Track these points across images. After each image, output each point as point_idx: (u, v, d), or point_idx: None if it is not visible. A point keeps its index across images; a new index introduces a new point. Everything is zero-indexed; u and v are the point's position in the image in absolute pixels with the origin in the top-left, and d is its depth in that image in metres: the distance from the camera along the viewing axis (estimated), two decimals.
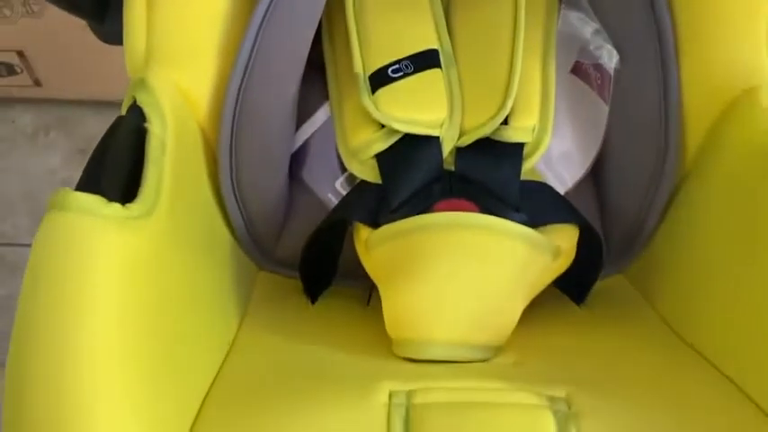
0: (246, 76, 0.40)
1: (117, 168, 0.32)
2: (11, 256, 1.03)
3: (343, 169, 0.46)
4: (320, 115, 0.47)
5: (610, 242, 0.46)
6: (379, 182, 0.42)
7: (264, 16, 0.39)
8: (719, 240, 0.38)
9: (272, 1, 0.39)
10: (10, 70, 1.07)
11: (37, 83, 1.10)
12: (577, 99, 0.46)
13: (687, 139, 0.41)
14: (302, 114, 0.46)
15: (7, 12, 0.96)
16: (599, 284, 0.45)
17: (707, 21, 0.39)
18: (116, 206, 0.30)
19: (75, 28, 0.97)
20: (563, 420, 0.30)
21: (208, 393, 0.33)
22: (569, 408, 0.31)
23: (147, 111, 0.36)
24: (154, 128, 0.35)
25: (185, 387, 0.32)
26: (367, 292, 0.45)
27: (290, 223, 0.46)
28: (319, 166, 0.47)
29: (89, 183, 0.31)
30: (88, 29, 0.97)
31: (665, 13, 0.40)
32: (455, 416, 0.30)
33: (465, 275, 0.37)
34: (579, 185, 0.46)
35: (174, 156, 0.35)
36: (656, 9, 0.40)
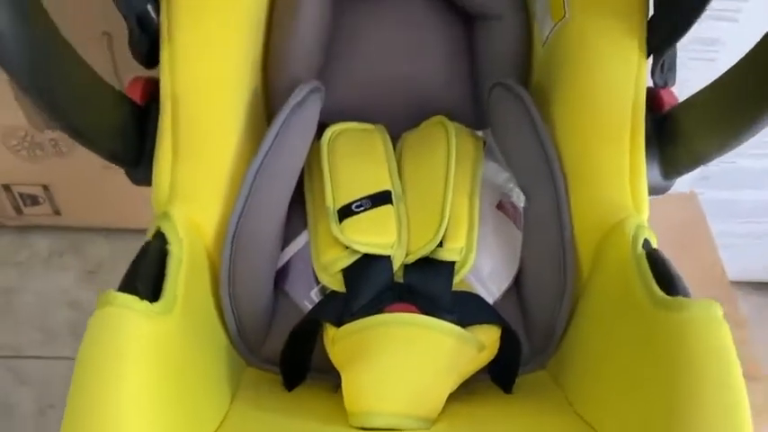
0: (244, 212, 0.53)
1: (146, 277, 0.44)
2: (22, 367, 1.12)
3: (317, 282, 0.58)
4: (300, 240, 0.59)
5: (531, 342, 0.57)
6: (344, 291, 0.54)
7: (258, 170, 0.53)
8: (602, 342, 0.49)
9: (266, 156, 0.53)
10: (34, 201, 1.21)
11: (56, 212, 1.24)
12: (500, 228, 0.58)
13: (580, 262, 0.53)
14: (287, 239, 0.59)
15: (39, 152, 1.11)
16: (525, 377, 0.56)
17: (586, 173, 0.53)
18: (146, 303, 0.41)
19: (96, 166, 1.12)
20: None
21: None
22: None
23: (169, 236, 0.48)
24: (173, 248, 0.47)
25: None
26: (335, 384, 0.55)
27: (273, 327, 0.57)
28: (299, 279, 0.59)
29: (127, 285, 0.42)
30: (106, 168, 1.12)
31: (557, 168, 0.54)
32: None
33: (406, 362, 0.48)
34: (505, 296, 0.58)
35: (186, 271, 0.47)
36: (551, 164, 0.54)
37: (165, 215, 0.50)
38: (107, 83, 0.50)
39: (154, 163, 0.52)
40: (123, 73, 0.98)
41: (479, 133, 0.62)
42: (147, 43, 0.53)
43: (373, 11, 0.63)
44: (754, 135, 0.45)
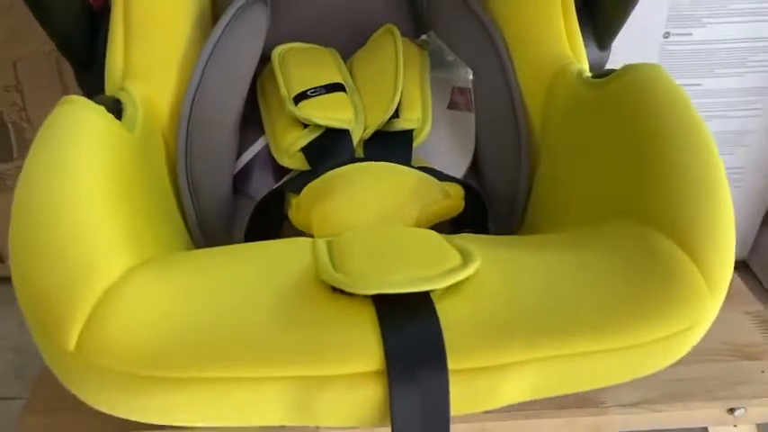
0: (196, 99, 0.53)
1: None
2: None
3: (276, 181, 0.57)
4: (256, 146, 0.60)
5: (495, 215, 0.56)
6: (307, 169, 0.54)
7: (213, 48, 0.53)
8: (565, 170, 0.49)
9: (214, 48, 0.54)
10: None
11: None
12: (453, 122, 0.60)
13: (531, 121, 0.55)
14: (244, 145, 0.59)
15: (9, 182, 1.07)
16: None
17: (522, 32, 0.56)
18: (108, 113, 0.41)
19: None
20: (467, 256, 0.37)
21: None
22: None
23: (125, 103, 0.47)
24: (128, 108, 0.47)
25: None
26: None
27: (236, 225, 0.56)
28: (259, 180, 0.58)
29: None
30: None
31: (496, 34, 0.57)
32: (371, 233, 0.40)
33: (370, 189, 0.49)
34: (465, 178, 0.59)
35: (142, 144, 0.46)
36: (490, 32, 0.57)
37: (122, 89, 0.49)
38: None
39: (107, 46, 0.52)
40: None
41: (423, 36, 0.65)
42: None
43: None
44: None
